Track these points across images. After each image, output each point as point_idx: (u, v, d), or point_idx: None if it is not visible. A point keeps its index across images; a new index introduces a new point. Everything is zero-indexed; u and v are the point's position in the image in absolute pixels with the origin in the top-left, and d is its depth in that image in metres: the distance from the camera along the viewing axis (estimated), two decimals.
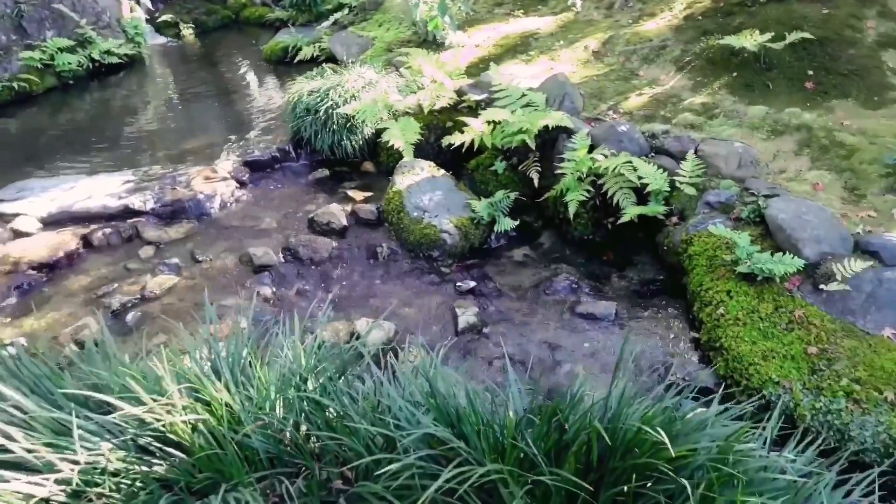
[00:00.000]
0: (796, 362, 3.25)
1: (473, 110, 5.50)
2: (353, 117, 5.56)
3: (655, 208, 4.31)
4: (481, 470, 1.97)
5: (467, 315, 3.92)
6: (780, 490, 2.15)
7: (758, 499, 2.07)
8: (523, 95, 5.08)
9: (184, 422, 2.29)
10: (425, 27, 6.66)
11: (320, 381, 2.60)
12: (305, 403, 2.49)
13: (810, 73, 4.96)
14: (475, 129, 5.02)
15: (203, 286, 4.28)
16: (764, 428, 2.47)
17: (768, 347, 3.33)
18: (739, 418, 2.35)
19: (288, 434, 2.43)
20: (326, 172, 5.66)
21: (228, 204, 5.27)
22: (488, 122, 5.05)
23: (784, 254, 3.55)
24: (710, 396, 2.47)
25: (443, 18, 6.17)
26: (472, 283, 4.27)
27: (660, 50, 5.67)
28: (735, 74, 5.11)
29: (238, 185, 5.45)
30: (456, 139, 4.97)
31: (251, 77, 8.17)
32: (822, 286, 3.44)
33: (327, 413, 2.47)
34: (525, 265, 4.53)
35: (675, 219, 4.36)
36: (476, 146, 5.11)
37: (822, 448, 2.70)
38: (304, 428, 2.47)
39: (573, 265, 4.49)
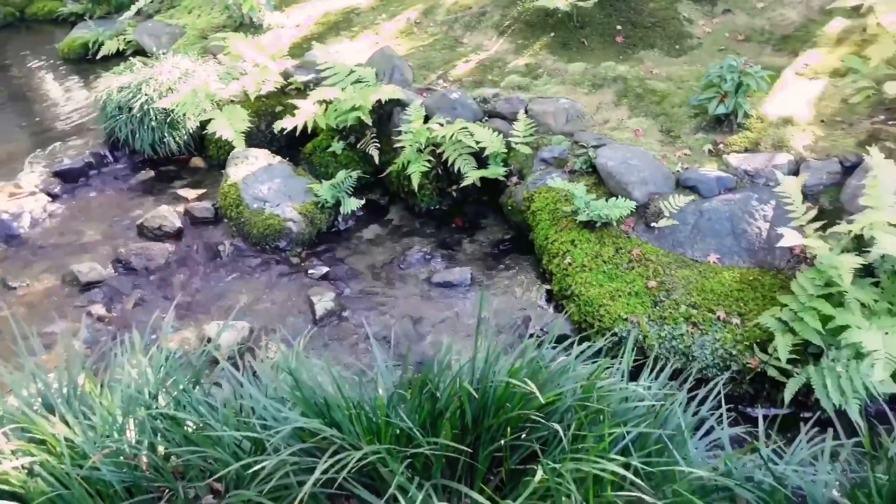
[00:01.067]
0: (640, 297, 3.47)
1: (302, 92, 5.31)
2: (173, 111, 5.17)
3: (495, 170, 4.41)
4: (358, 454, 1.91)
5: (324, 301, 3.81)
6: (641, 416, 2.28)
7: (623, 428, 2.19)
8: (352, 72, 4.98)
9: (16, 467, 2.03)
10: (240, 10, 6.32)
11: (173, 394, 2.40)
12: (159, 421, 2.29)
13: (619, 27, 5.27)
14: (307, 111, 4.85)
15: (22, 315, 3.83)
16: (621, 362, 2.61)
17: (614, 288, 3.53)
18: (598, 357, 2.46)
19: (144, 457, 2.23)
20: (151, 173, 5.24)
21: (41, 220, 4.74)
22: (319, 103, 4.90)
23: (617, 198, 3.76)
24: (569, 342, 2.57)
25: None
26: (326, 269, 4.15)
27: (480, 16, 5.77)
28: (553, 34, 5.31)
29: (50, 199, 4.90)
30: (288, 123, 4.77)
31: (50, 79, 7.37)
32: (653, 224, 3.69)
33: (185, 427, 2.29)
34: (377, 243, 4.48)
35: (515, 178, 4.48)
36: (311, 128, 4.94)
37: (672, 372, 2.91)
38: (161, 448, 2.28)
39: (424, 236, 4.50)
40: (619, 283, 3.54)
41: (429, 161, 4.52)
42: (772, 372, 3.10)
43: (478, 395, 2.16)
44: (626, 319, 3.38)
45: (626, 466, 2.04)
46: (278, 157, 4.88)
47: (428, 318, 3.76)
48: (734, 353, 3.20)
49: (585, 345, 2.49)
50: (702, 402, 2.45)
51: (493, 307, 3.81)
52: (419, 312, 3.81)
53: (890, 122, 3.91)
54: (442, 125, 4.50)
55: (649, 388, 2.43)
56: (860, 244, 3.24)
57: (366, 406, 2.18)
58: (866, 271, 3.16)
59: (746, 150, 3.94)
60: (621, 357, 2.51)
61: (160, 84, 5.28)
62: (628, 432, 2.18)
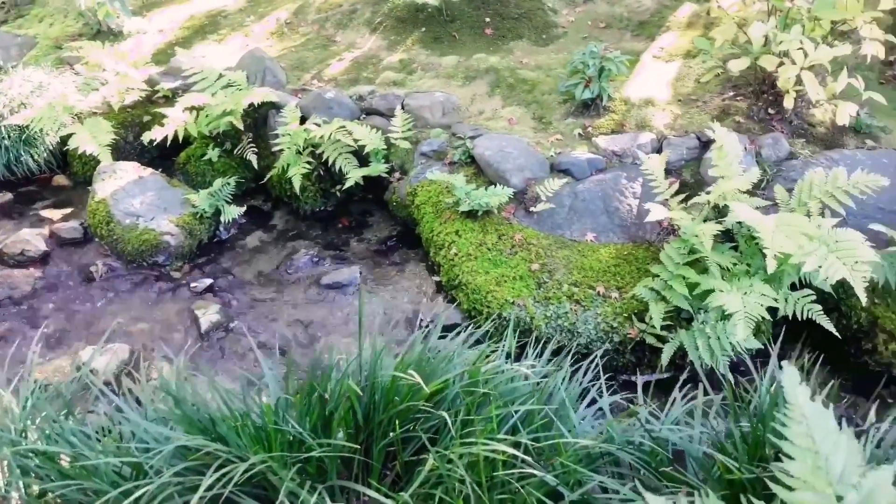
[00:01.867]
0: (525, 281, 3.57)
1: (171, 100, 5.10)
2: (28, 127, 4.83)
3: (377, 167, 4.40)
4: (243, 465, 1.87)
5: (209, 315, 3.68)
6: (527, 394, 2.36)
7: (511, 407, 2.25)
8: (221, 76, 4.82)
9: None
10: (95, 17, 5.97)
11: (43, 428, 2.25)
12: (30, 458, 2.14)
13: (488, 20, 5.39)
14: (177, 119, 4.65)
15: None
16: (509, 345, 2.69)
17: (500, 273, 3.62)
18: (488, 342, 2.52)
19: (15, 499, 2.08)
20: (9, 196, 4.87)
21: None
22: (189, 110, 4.72)
23: (495, 186, 3.86)
24: (456, 331, 2.61)
25: (112, 4, 5.57)
26: (209, 281, 4.01)
27: (351, 14, 5.74)
28: (424, 29, 5.36)
29: None
30: (157, 133, 4.57)
31: None
32: (532, 209, 3.81)
33: (59, 461, 2.16)
34: (262, 250, 4.37)
35: (397, 174, 4.50)
36: (182, 137, 4.75)
37: (559, 348, 3.04)
38: (35, 487, 2.13)
39: (311, 239, 4.43)
40: (503, 268, 3.64)
41: (309, 163, 4.46)
42: (650, 339, 3.28)
43: (365, 393, 2.17)
44: (512, 303, 3.48)
45: (517, 445, 2.10)
46: (150, 170, 4.66)
47: (318, 321, 3.72)
48: (615, 325, 3.37)
49: (472, 331, 2.54)
50: (589, 376, 2.57)
51: (383, 303, 3.81)
52: (309, 316, 3.76)
53: (738, 98, 4.22)
54: (319, 125, 4.45)
55: (533, 366, 2.51)
56: (719, 212, 3.49)
57: (252, 416, 2.13)
58: (728, 237, 3.41)
59: (613, 132, 4.14)
60: (506, 340, 2.58)
61: (11, 99, 4.91)
62: (516, 411, 2.25)
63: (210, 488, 1.83)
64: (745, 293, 2.97)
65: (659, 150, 3.99)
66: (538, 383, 2.37)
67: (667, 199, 3.54)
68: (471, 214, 3.86)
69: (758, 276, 3.14)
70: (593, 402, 2.56)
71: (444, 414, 2.03)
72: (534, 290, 3.52)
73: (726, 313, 2.91)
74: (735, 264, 3.20)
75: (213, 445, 1.95)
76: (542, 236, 3.75)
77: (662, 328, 3.22)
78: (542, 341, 3.27)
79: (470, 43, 5.23)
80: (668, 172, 3.91)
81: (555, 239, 3.74)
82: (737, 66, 3.79)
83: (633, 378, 3.45)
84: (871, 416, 2.35)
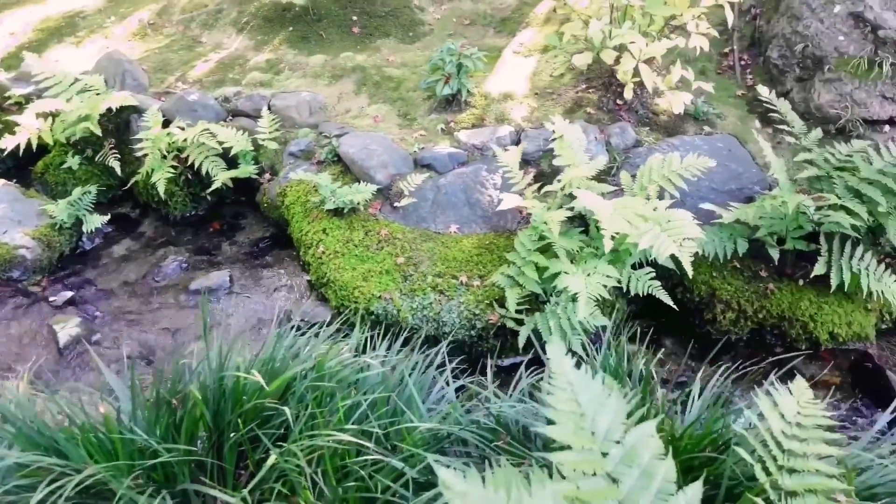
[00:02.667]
0: (391, 275, 3.67)
1: (23, 106, 4.86)
2: None
3: (245, 169, 4.38)
4: (78, 477, 1.86)
5: (68, 328, 3.57)
6: (377, 384, 2.46)
7: (361, 396, 2.34)
8: (76, 80, 4.64)
9: None
10: None
11: None
12: None
13: (355, 18, 5.44)
14: (29, 127, 4.45)
15: None
16: (372, 338, 2.79)
17: (367, 269, 3.70)
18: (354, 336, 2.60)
19: None
20: None
21: None
22: (43, 116, 4.52)
23: (360, 183, 3.93)
24: (311, 328, 2.68)
25: None
26: (70, 293, 3.88)
27: (217, 14, 5.64)
28: (291, 29, 5.35)
29: None
30: (8, 142, 4.35)
31: None
32: (396, 204, 3.91)
33: None
34: (130, 258, 4.26)
35: (268, 175, 4.49)
36: (39, 145, 4.54)
37: (426, 338, 3.17)
38: None
39: (181, 245, 4.36)
40: (370, 263, 3.72)
41: (174, 167, 4.38)
42: (510, 324, 3.45)
43: (213, 395, 2.20)
44: (380, 297, 3.57)
45: (368, 434, 2.19)
46: (2, 180, 4.44)
47: (187, 328, 3.68)
48: (477, 312, 3.52)
49: (339, 327, 2.61)
50: (453, 362, 2.70)
51: (255, 304, 3.82)
52: (178, 323, 3.71)
53: (590, 90, 4.47)
54: (183, 129, 4.37)
55: (386, 356, 2.62)
56: (572, 199, 3.70)
57: (97, 427, 2.12)
58: (584, 222, 3.63)
59: (474, 126, 4.30)
60: (363, 332, 2.67)
61: None
62: (365, 401, 2.34)
63: (42, 502, 1.82)
64: (589, 274, 3.18)
65: (518, 142, 4.18)
66: (392, 371, 2.47)
67: (522, 189, 3.72)
68: (337, 212, 3.92)
69: (604, 258, 3.37)
70: (448, 384, 2.70)
71: (286, 409, 2.09)
72: (400, 284, 3.63)
73: (570, 294, 3.12)
74: (582, 248, 3.42)
75: (46, 460, 1.94)
76: (408, 230, 3.86)
77: (519, 312, 3.40)
78: (409, 332, 3.40)
79: (337, 42, 5.26)
80: (526, 163, 4.10)
81: (420, 232, 3.85)
82: (581, 61, 4.02)
83: (499, 362, 3.64)
84: (697, 379, 2.60)
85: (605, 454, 1.45)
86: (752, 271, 3.78)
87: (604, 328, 3.37)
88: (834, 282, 3.48)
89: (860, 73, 4.03)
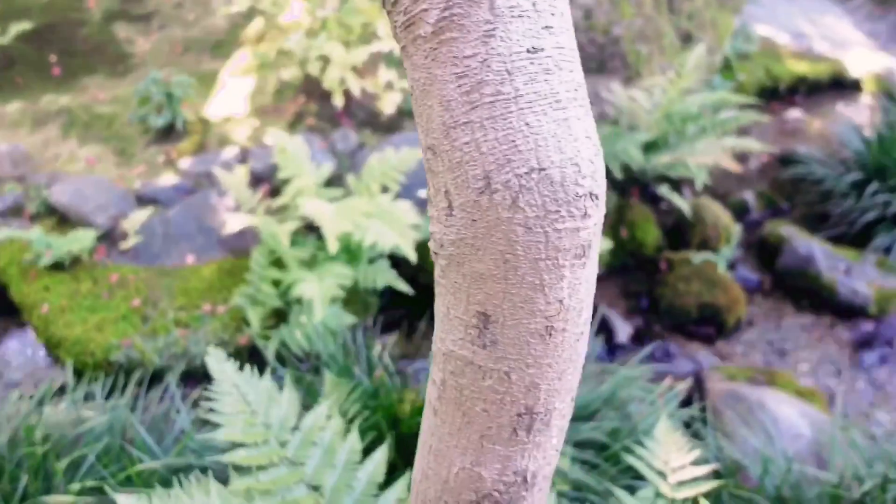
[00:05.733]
0: (129, 319, 3.51)
1: None
2: None
3: None
4: None
5: None
6: (104, 432, 2.36)
7: (86, 450, 2.24)
8: None
9: None
10: None
11: None
12: None
13: (53, 59, 5.07)
14: None
15: None
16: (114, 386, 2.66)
17: (100, 319, 3.50)
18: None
19: None
20: None
21: None
22: None
23: (79, 231, 3.70)
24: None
25: None
26: None
27: None
28: None
29: None
30: None
31: None
32: (123, 245, 3.74)
33: None
34: None
35: None
36: None
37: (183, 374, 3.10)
38: None
39: None
40: (103, 312, 3.52)
41: None
42: (260, 342, 3.47)
43: None
44: (119, 345, 3.40)
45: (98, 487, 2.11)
46: None
47: None
48: (226, 337, 3.49)
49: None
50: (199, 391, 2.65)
51: None
52: None
53: (309, 102, 4.60)
54: None
55: (114, 403, 2.52)
56: None
57: None
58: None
59: (196, 153, 4.23)
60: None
61: None
62: (94, 453, 2.25)
63: None
64: (324, 278, 3.30)
65: (245, 162, 4.19)
66: (106, 419, 2.39)
67: (254, 207, 3.75)
68: (58, 266, 3.66)
69: (339, 260, 3.51)
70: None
71: None
72: (140, 326, 3.48)
73: (306, 300, 3.21)
74: (315, 254, 3.53)
75: None
76: (141, 270, 3.71)
77: (268, 328, 3.43)
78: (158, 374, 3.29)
79: (37, 85, 4.88)
80: (259, 181, 4.13)
81: (155, 270, 3.72)
82: (289, 75, 4.13)
83: None
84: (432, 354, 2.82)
85: (283, 443, 1.54)
86: None
87: (359, 325, 3.51)
88: None
89: None
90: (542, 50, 0.63)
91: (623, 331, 3.90)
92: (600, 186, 0.66)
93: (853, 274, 4.14)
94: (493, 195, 0.63)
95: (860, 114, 5.79)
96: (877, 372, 3.77)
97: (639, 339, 3.93)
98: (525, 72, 0.63)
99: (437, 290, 0.73)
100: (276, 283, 3.40)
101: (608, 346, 3.85)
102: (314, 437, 1.60)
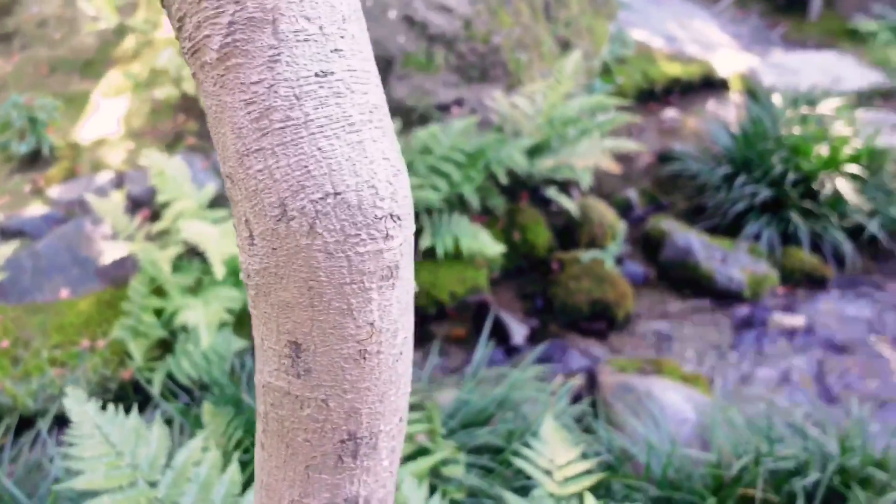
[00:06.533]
0: None
1: None
2: None
3: None
4: None
5: None
6: None
7: None
8: None
9: None
10: None
11: None
12: None
13: None
14: None
15: None
16: None
17: None
18: None
19: None
20: None
21: None
22: None
23: None
24: None
25: None
26: None
27: None
28: None
29: None
30: None
31: None
32: None
33: None
34: None
35: None
36: None
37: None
38: None
39: None
40: None
41: None
42: (146, 374, 3.30)
43: None
44: None
45: None
46: None
47: None
48: (108, 373, 3.31)
49: None
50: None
51: None
52: None
53: (189, 120, 4.44)
54: None
55: None
56: None
57: None
58: None
59: (66, 180, 4.00)
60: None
61: None
62: None
63: None
64: (209, 303, 3.18)
65: (121, 187, 3.99)
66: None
67: (132, 234, 3.57)
68: None
69: (226, 283, 3.39)
70: None
71: None
72: (10, 370, 3.24)
73: (191, 327, 3.09)
74: (200, 279, 3.40)
75: None
76: (10, 309, 3.46)
77: (152, 360, 3.27)
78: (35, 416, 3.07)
79: None
80: (138, 205, 3.94)
81: (25, 307, 3.48)
82: (163, 93, 3.97)
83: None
84: None
85: (153, 483, 1.47)
86: None
87: (249, 349, 3.40)
88: (439, 249, 3.96)
89: (423, 67, 4.61)
90: (332, 73, 0.63)
91: (519, 333, 3.97)
92: (402, 207, 0.66)
93: (728, 262, 4.40)
94: (290, 222, 0.62)
95: (728, 111, 6.18)
96: (754, 351, 4.02)
97: (535, 339, 4.02)
98: (315, 96, 0.62)
99: (252, 321, 0.71)
100: (159, 313, 3.26)
101: (505, 349, 3.92)
102: (188, 473, 1.53)
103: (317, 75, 0.62)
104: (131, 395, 3.33)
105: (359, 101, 0.64)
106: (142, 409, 3.37)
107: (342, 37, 0.64)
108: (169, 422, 2.71)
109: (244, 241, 0.66)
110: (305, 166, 0.62)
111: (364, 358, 0.67)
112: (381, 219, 0.64)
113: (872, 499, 2.28)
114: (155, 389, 3.18)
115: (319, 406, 0.68)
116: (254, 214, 0.64)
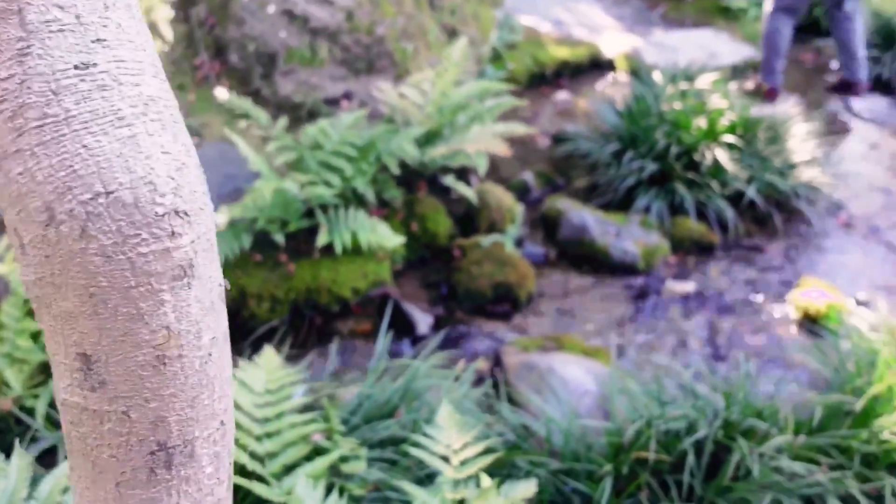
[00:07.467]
0: None
1: None
2: None
3: None
4: None
5: None
6: None
7: None
8: None
9: None
10: None
11: None
12: None
13: None
14: None
15: None
16: None
17: None
18: None
19: None
20: None
21: None
22: None
23: None
24: None
25: None
26: None
27: None
28: None
29: None
30: None
31: None
32: None
33: None
34: None
35: None
36: None
37: None
38: None
39: None
40: None
41: None
42: (30, 403, 3.10)
43: None
44: None
45: None
46: None
47: None
48: None
49: None
50: None
51: None
52: None
53: None
54: None
55: None
56: None
57: None
58: None
59: None
60: None
61: None
62: None
63: None
64: None
65: None
66: None
67: (1, 255, 3.34)
68: None
69: None
70: None
71: None
72: None
73: None
74: None
75: None
76: None
77: (34, 387, 3.08)
78: None
79: None
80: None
81: None
82: None
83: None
84: None
85: None
86: (274, 260, 4.04)
87: None
88: (337, 246, 3.90)
89: (307, 61, 4.53)
90: (95, 65, 0.59)
91: (423, 322, 3.98)
92: (188, 202, 0.63)
93: (622, 236, 4.55)
94: (59, 227, 0.58)
95: (616, 90, 6.38)
96: (651, 319, 4.19)
97: (441, 327, 4.04)
98: (75, 90, 0.58)
99: (44, 335, 0.66)
100: (36, 336, 3.06)
101: (412, 340, 3.92)
102: (54, 501, 1.44)
103: (76, 68, 0.58)
104: (13, 428, 3.12)
105: (129, 94, 0.61)
106: (31, 441, 3.17)
107: (105, 26, 0.60)
108: (52, 451, 2.55)
109: (17, 251, 0.62)
110: (70, 166, 0.58)
111: (164, 364, 0.64)
112: (163, 216, 0.61)
113: (754, 447, 2.41)
114: (38, 419, 2.99)
115: (121, 419, 0.64)
116: (21, 221, 0.59)
